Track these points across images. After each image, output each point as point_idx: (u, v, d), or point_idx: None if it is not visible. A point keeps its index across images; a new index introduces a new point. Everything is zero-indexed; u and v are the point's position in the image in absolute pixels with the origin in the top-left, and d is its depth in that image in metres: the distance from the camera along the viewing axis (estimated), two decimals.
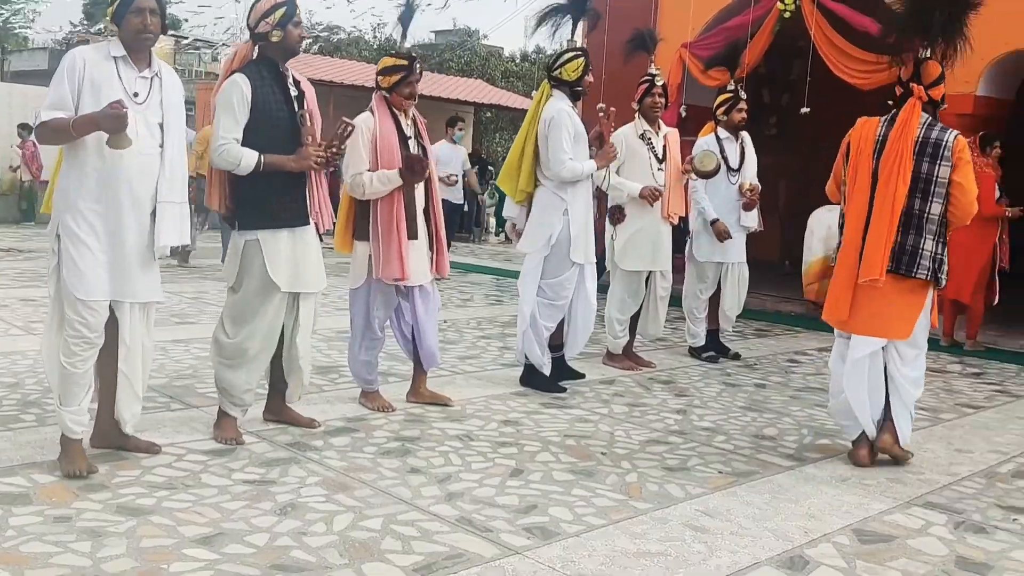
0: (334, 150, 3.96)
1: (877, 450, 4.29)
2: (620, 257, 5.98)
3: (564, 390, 5.37)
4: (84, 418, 3.56)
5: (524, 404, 5.04)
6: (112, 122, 3.30)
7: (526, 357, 5.37)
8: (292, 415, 4.33)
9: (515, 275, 5.44)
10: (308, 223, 4.00)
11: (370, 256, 4.49)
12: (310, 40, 35.32)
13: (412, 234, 4.46)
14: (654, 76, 5.94)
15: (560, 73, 5.16)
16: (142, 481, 3.50)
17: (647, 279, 6.05)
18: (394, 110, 4.51)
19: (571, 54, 5.15)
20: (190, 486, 3.47)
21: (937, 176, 4.08)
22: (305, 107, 3.99)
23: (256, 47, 3.98)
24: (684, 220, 6.37)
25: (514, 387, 5.41)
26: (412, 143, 4.53)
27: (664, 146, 5.94)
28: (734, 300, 6.63)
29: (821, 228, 8.58)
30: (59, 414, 3.52)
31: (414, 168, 4.36)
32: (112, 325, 3.59)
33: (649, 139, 5.85)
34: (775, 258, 12.17)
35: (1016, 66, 8.32)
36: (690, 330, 6.73)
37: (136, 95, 3.52)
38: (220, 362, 4.03)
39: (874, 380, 4.21)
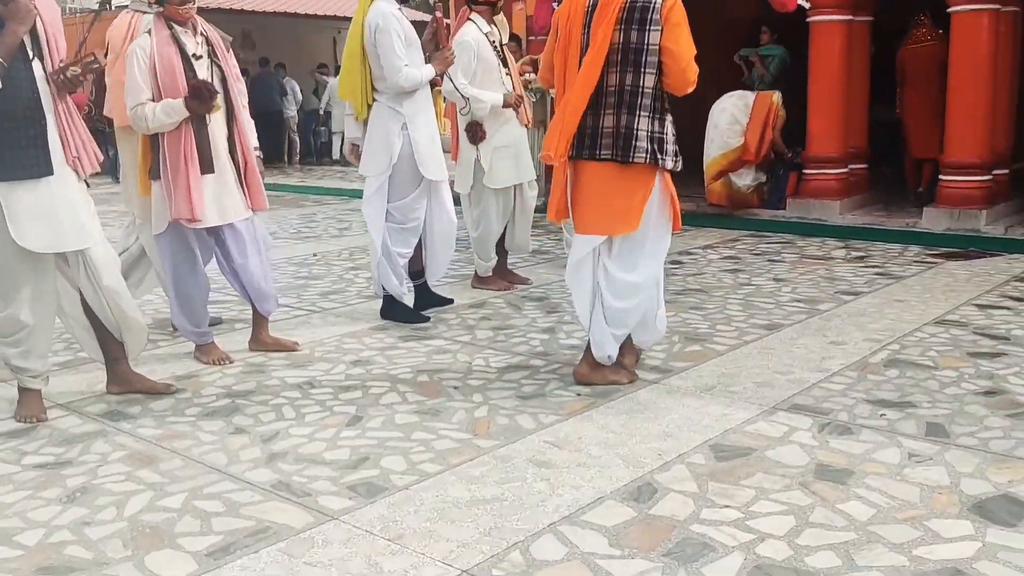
0: (65, 74, 3.35)
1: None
2: (489, 178, 5.52)
3: (427, 319, 5.01)
4: None
5: (381, 340, 4.68)
6: None
7: (383, 288, 4.99)
8: (144, 382, 3.87)
9: None
10: (51, 172, 3.40)
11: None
12: None
13: (206, 168, 3.98)
14: None
15: None
16: None
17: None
18: (175, 28, 3.98)
19: None
20: None
21: (647, 43, 3.59)
22: (42, 38, 3.37)
23: None
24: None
25: (375, 322, 5.04)
26: (204, 64, 4.01)
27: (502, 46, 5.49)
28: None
29: (724, 119, 8.27)
30: None
31: (200, 95, 3.87)
32: None
33: (493, 41, 5.39)
34: None
35: None
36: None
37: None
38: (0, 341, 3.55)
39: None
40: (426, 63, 4.76)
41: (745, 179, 8.38)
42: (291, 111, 16.84)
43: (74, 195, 3.47)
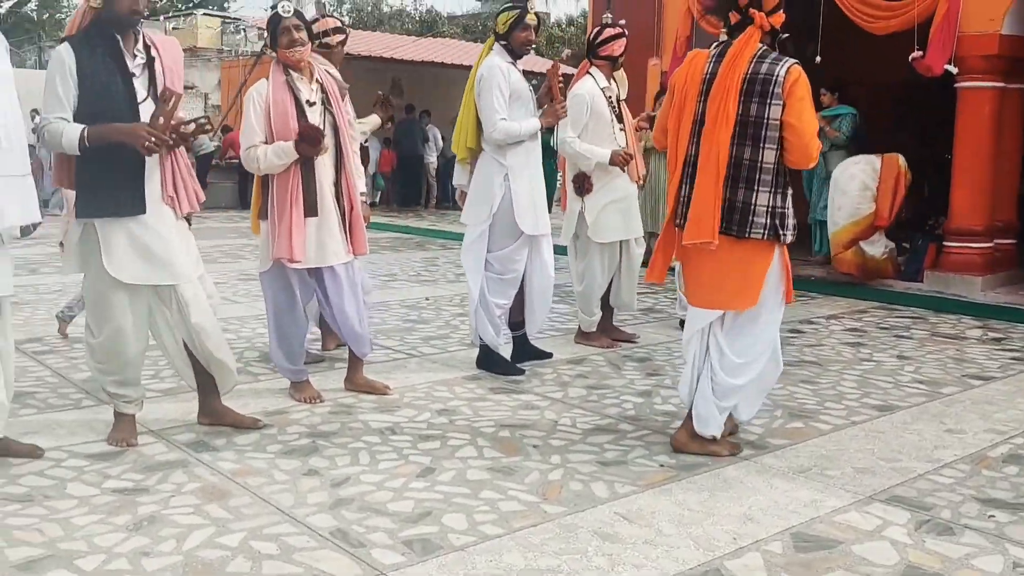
0: (179, 131, 3.48)
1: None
2: (595, 231, 5.44)
3: (522, 372, 4.94)
4: None
5: (471, 390, 4.63)
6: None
7: (480, 338, 4.96)
8: (233, 417, 3.95)
9: None
10: (143, 211, 3.50)
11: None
12: (348, 11, 34.46)
13: (310, 211, 4.07)
14: (617, 23, 5.39)
15: (496, 26, 4.72)
16: (1, 493, 3.19)
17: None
18: (291, 74, 4.10)
19: (507, 6, 4.68)
20: (50, 497, 3.15)
21: (768, 118, 3.45)
22: (159, 80, 3.51)
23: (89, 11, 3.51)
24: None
25: (469, 371, 5.01)
26: (317, 110, 4.11)
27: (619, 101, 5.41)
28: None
29: (853, 186, 7.93)
30: None
31: (308, 138, 3.95)
32: None
33: (609, 96, 5.32)
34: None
35: None
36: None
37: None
38: (97, 367, 3.69)
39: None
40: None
41: (877, 247, 7.98)
42: (431, 157, 17.29)
43: (168, 232, 3.58)
